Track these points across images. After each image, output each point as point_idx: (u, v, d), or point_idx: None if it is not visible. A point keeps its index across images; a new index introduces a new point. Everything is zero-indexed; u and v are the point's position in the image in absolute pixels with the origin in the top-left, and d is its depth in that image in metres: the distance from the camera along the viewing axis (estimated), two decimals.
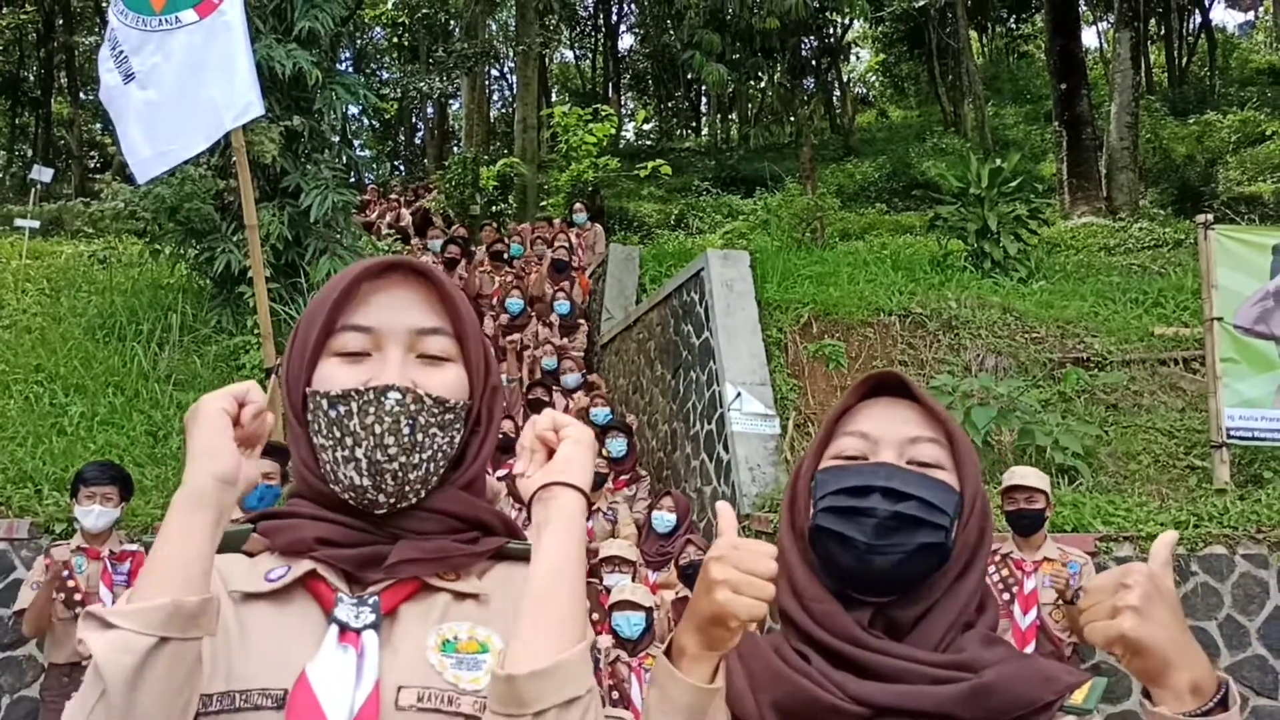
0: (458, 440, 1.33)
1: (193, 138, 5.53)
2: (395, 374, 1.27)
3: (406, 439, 1.26)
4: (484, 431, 1.36)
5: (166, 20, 5.55)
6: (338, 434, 1.26)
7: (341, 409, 1.26)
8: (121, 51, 5.78)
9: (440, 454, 1.30)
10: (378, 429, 1.25)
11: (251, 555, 1.33)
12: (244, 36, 5.47)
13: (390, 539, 1.29)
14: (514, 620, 1.21)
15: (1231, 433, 6.90)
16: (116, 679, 1.03)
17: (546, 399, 9.40)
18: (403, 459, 1.25)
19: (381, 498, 1.27)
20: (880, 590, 1.31)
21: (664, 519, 7.04)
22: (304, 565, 1.26)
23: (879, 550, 1.28)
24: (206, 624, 1.09)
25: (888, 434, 1.36)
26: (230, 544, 1.32)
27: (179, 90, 5.50)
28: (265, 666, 1.18)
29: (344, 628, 1.20)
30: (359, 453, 1.25)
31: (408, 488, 1.28)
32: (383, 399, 1.25)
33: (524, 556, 1.34)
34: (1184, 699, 1.13)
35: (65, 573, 5.14)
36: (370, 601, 1.23)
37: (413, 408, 1.26)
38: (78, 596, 5.13)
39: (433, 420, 1.28)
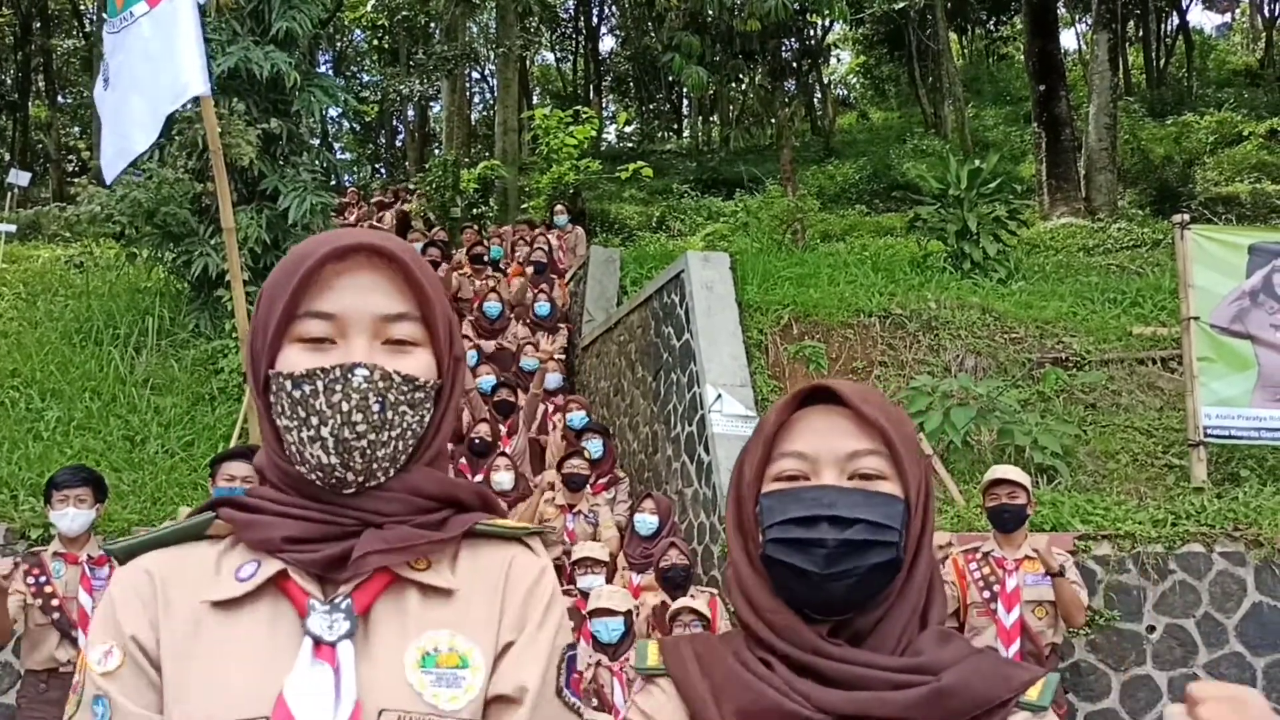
0: (428, 419, 1.30)
1: (144, 130, 5.46)
2: (361, 357, 1.24)
3: (376, 416, 1.23)
4: (445, 404, 1.33)
5: (124, 18, 5.51)
6: (302, 414, 1.23)
7: (306, 388, 1.23)
8: (105, 59, 5.78)
9: (410, 433, 1.27)
10: (345, 406, 1.22)
11: (218, 539, 1.30)
12: (191, 17, 5.38)
13: (358, 525, 1.25)
14: (494, 624, 1.22)
15: (1209, 431, 6.94)
16: None
17: (512, 399, 9.36)
18: (371, 436, 1.23)
19: (350, 475, 1.24)
20: (839, 611, 1.31)
21: (646, 521, 7.03)
22: (274, 565, 1.23)
23: (833, 578, 1.28)
24: None
25: (826, 451, 1.35)
26: (190, 535, 1.30)
27: (132, 84, 5.44)
28: (245, 688, 1.16)
29: (318, 641, 1.18)
30: (325, 431, 1.22)
31: (375, 465, 1.25)
32: (349, 375, 1.22)
33: (498, 535, 1.33)
34: None
35: (39, 577, 5.09)
36: (343, 606, 1.21)
37: (381, 385, 1.23)
38: (55, 602, 5.09)
39: (402, 399, 1.25)
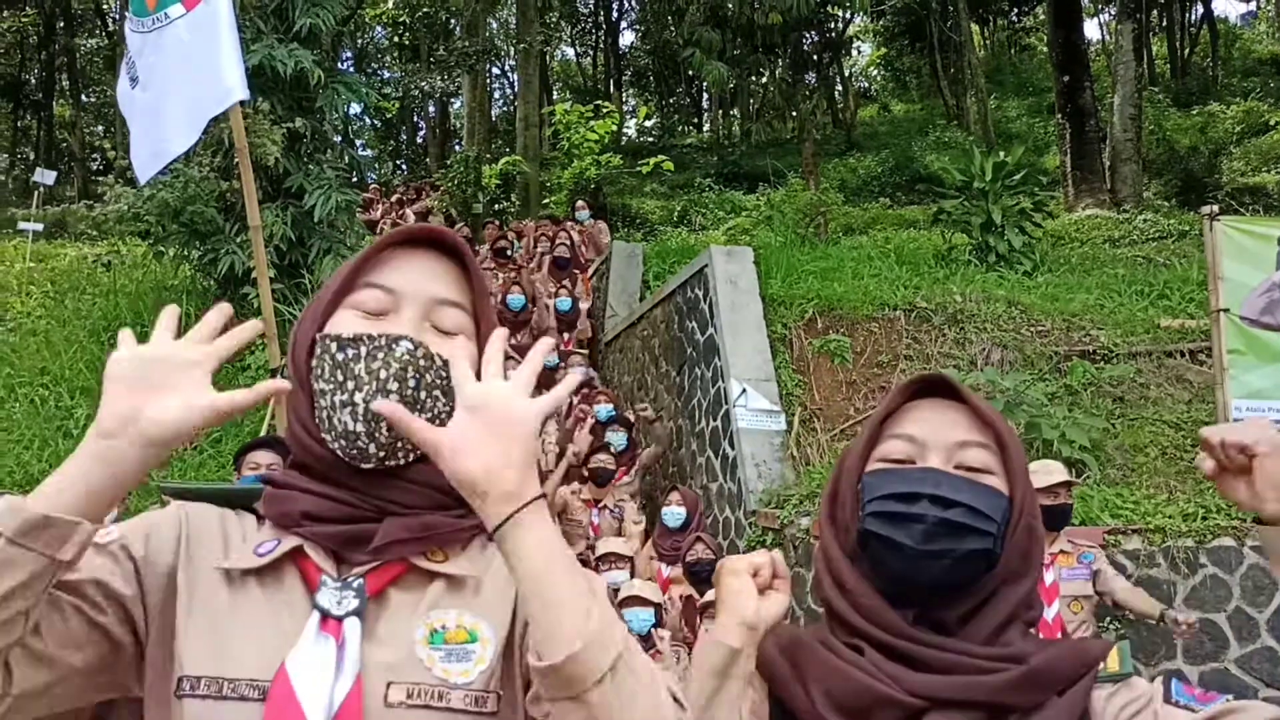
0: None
1: (183, 132, 5.50)
2: (410, 331, 1.27)
3: (410, 392, 1.24)
4: None
5: (158, 18, 5.53)
6: (340, 377, 1.25)
7: (350, 352, 1.25)
8: (129, 57, 5.80)
9: (439, 420, 1.26)
10: (383, 374, 1.23)
11: (261, 518, 1.32)
12: (229, 22, 5.42)
13: (377, 513, 1.26)
14: (509, 604, 1.23)
15: None
16: None
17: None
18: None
19: (373, 448, 1.25)
20: (927, 593, 1.32)
21: (674, 513, 7.04)
22: (291, 541, 1.25)
23: (927, 555, 1.29)
24: (44, 542, 1.04)
25: (935, 438, 1.37)
26: (240, 500, 1.33)
27: (169, 86, 5.48)
28: (252, 653, 1.17)
29: (325, 615, 1.19)
30: (358, 397, 1.23)
31: (399, 443, 1.26)
32: (394, 345, 1.25)
33: None
34: None
35: None
36: (354, 585, 1.22)
37: (422, 363, 1.25)
38: None
39: (439, 382, 1.27)
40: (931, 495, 1.30)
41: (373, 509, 1.27)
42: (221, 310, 1.25)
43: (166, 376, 1.16)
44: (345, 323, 1.28)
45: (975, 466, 1.35)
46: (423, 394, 1.25)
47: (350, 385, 1.24)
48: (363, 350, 1.24)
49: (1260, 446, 1.31)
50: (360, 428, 1.24)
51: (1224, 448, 1.33)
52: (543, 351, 1.22)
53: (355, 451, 1.25)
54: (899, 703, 1.26)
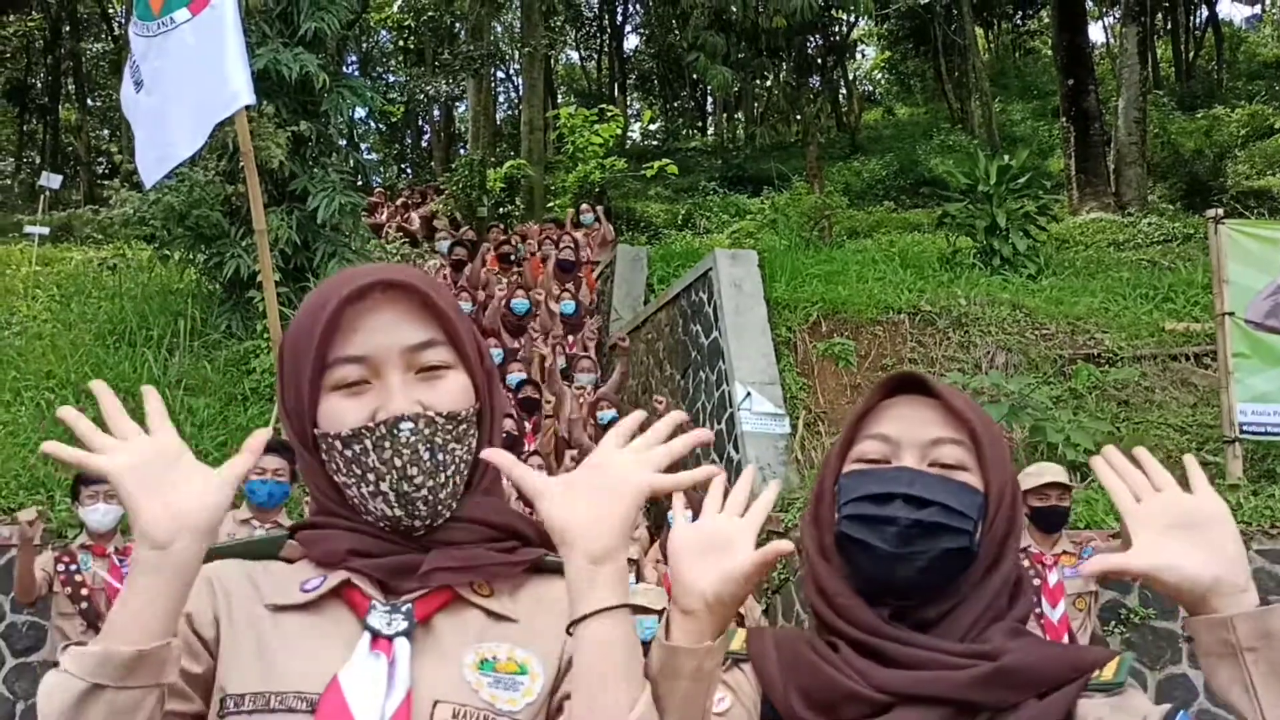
0: (473, 444, 1.31)
1: (189, 136, 5.51)
2: (401, 401, 1.24)
3: (429, 464, 1.24)
4: (490, 425, 1.35)
5: (164, 23, 5.54)
6: (359, 471, 1.25)
7: (356, 448, 1.24)
8: (135, 61, 5.81)
9: (463, 464, 1.29)
10: (398, 462, 1.23)
11: (291, 562, 1.33)
12: (235, 27, 5.42)
13: (424, 549, 1.28)
14: (559, 643, 1.23)
15: (1244, 428, 6.87)
16: (50, 718, 1.05)
17: (537, 396, 9.38)
18: (430, 484, 1.25)
19: (417, 523, 1.26)
20: (906, 593, 1.32)
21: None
22: (338, 575, 1.26)
23: (902, 558, 1.29)
24: (147, 675, 1.06)
25: (909, 436, 1.36)
26: (262, 551, 1.33)
27: (175, 91, 5.49)
28: (300, 670, 1.18)
29: (376, 634, 1.20)
30: (384, 486, 1.24)
31: (440, 507, 1.27)
32: (396, 431, 1.23)
33: (560, 570, 1.35)
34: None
35: (69, 564, 5.15)
36: (403, 609, 1.23)
37: (427, 432, 1.24)
38: (84, 591, 5.15)
39: (449, 437, 1.27)
40: (905, 495, 1.30)
41: (421, 547, 1.28)
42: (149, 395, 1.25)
43: (169, 468, 1.17)
44: (336, 413, 1.26)
45: (949, 463, 1.34)
46: (440, 456, 1.25)
47: (372, 477, 1.24)
48: (368, 444, 1.24)
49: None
50: (399, 512, 1.25)
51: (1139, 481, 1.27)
52: (688, 442, 1.22)
53: (403, 529, 1.27)
54: (865, 698, 1.26)
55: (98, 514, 5.21)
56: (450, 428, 1.26)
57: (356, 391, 1.26)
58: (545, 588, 1.32)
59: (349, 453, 1.25)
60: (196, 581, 1.27)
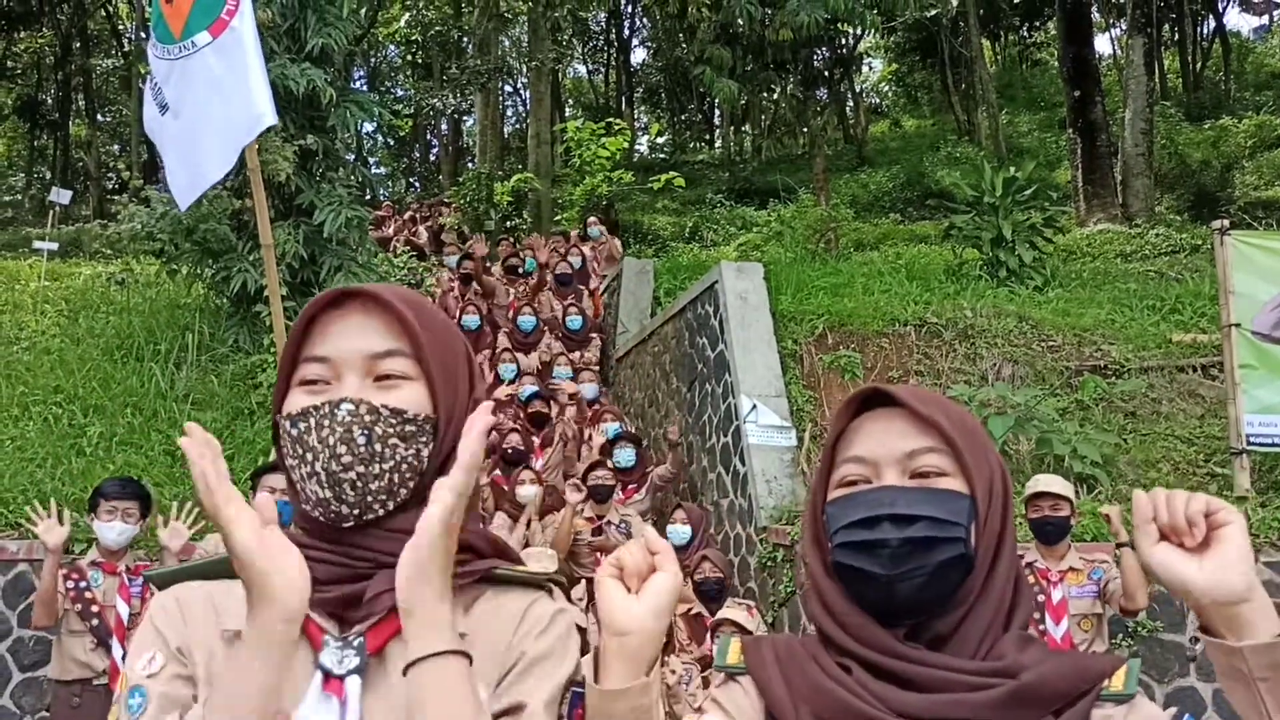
0: (425, 454, 1.32)
1: (219, 160, 5.55)
2: (351, 393, 1.29)
3: (363, 449, 1.27)
4: (447, 441, 1.34)
5: (185, 46, 5.57)
6: (300, 451, 1.29)
7: (301, 426, 1.28)
8: (156, 83, 5.84)
9: (405, 465, 1.30)
10: (331, 440, 1.26)
11: None
12: (254, 48, 5.46)
13: (371, 567, 1.29)
14: (497, 667, 1.25)
15: (1251, 439, 6.84)
16: None
17: (546, 410, 9.40)
18: (360, 469, 1.27)
19: (345, 509, 1.28)
20: (912, 613, 1.30)
21: (678, 531, 7.02)
22: None
23: (900, 578, 1.27)
24: None
25: (884, 453, 1.34)
26: (226, 571, 1.33)
27: (202, 114, 5.52)
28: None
29: (328, 675, 1.22)
30: (317, 466, 1.27)
31: (370, 498, 1.28)
32: (335, 410, 1.27)
33: (514, 582, 1.36)
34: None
35: (78, 581, 5.16)
36: (355, 644, 1.25)
37: (367, 418, 1.27)
38: (94, 608, 5.16)
39: (391, 430, 1.29)
40: (890, 515, 1.28)
41: (367, 564, 1.29)
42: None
43: (273, 535, 1.18)
44: (296, 401, 1.32)
45: (930, 471, 1.32)
46: (377, 446, 1.28)
47: (310, 457, 1.28)
48: (311, 422, 1.28)
49: (1226, 515, 1.20)
50: (328, 493, 1.28)
51: (1173, 513, 1.23)
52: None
53: (332, 515, 1.29)
54: None
55: (114, 531, 5.22)
56: (394, 421, 1.29)
57: (316, 390, 1.31)
58: (501, 600, 1.34)
59: (294, 431, 1.29)
60: (165, 609, 1.32)
